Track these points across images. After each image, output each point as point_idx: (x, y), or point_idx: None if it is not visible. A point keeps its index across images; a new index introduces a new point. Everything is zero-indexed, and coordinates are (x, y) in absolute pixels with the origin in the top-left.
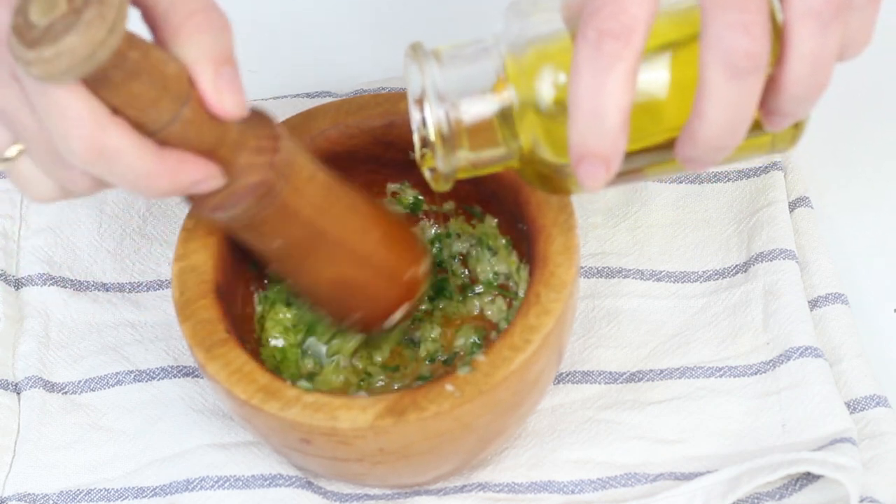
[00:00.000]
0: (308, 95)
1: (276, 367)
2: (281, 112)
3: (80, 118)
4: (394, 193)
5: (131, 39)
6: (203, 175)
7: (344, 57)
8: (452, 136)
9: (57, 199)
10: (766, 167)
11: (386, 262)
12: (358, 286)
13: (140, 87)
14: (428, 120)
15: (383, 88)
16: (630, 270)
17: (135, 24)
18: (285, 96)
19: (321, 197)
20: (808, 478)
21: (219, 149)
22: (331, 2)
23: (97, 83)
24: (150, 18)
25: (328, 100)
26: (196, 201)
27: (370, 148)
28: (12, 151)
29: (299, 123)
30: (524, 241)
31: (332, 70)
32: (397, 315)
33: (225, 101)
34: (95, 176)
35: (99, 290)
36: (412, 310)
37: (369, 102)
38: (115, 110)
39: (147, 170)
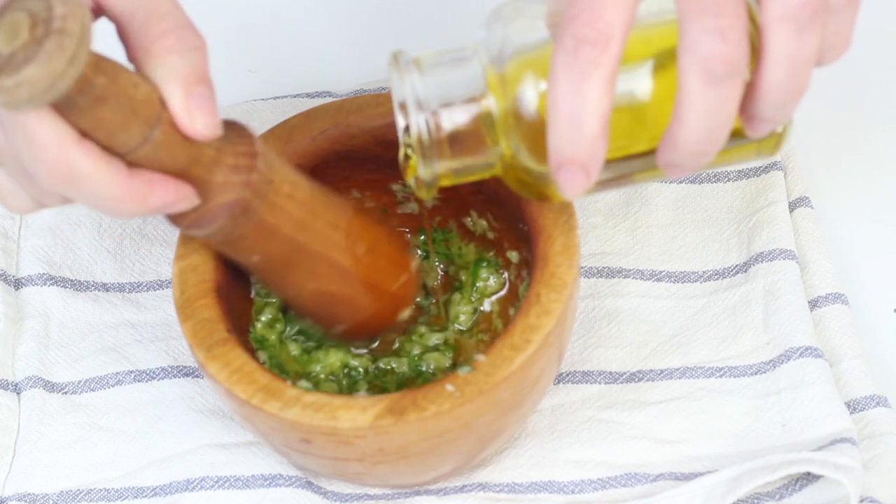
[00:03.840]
0: (308, 95)
1: (261, 342)
2: (281, 112)
3: (45, 143)
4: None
5: (98, 64)
6: (174, 197)
7: (344, 57)
8: (433, 144)
9: (32, 210)
10: (766, 167)
11: (372, 275)
12: (343, 299)
13: (107, 112)
14: (409, 128)
15: (383, 88)
16: (630, 270)
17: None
18: (285, 96)
19: (302, 213)
20: (808, 478)
21: (193, 168)
22: (331, 2)
23: (64, 108)
24: (124, 36)
25: (328, 100)
26: (173, 218)
27: (371, 148)
28: None
29: (299, 123)
30: (525, 241)
31: (332, 70)
32: (398, 321)
33: (196, 123)
34: (65, 196)
35: (99, 290)
36: (403, 320)
37: (370, 102)
38: (85, 133)
39: (114, 194)
